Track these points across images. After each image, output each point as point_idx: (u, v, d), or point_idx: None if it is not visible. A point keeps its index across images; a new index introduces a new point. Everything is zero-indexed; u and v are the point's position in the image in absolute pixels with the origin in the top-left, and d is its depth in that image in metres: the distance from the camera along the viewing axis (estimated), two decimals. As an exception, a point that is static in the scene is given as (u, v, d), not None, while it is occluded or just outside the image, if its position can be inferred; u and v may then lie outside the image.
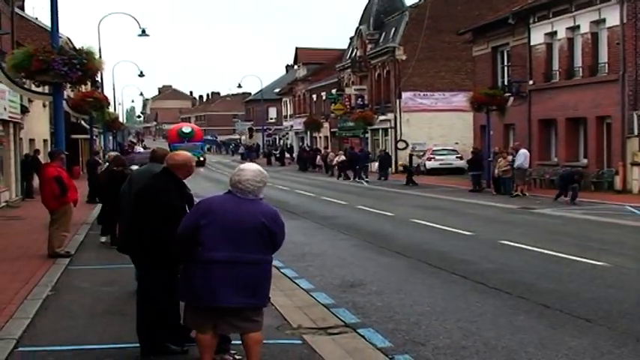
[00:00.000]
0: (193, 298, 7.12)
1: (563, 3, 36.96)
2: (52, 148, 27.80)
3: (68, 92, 37.79)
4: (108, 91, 59.10)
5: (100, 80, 50.16)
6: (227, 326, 7.22)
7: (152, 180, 8.36)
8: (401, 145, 60.15)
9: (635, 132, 32.65)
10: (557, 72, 38.32)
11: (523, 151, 33.91)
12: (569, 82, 37.12)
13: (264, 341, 7.66)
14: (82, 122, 51.10)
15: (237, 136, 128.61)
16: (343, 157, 55.31)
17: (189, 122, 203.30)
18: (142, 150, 48.75)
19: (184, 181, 8.17)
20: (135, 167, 14.86)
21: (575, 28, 36.59)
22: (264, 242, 7.07)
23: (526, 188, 33.76)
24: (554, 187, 36.34)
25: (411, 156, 53.10)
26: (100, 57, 20.44)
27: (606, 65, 34.48)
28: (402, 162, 44.95)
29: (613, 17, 33.37)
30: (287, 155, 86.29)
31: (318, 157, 68.50)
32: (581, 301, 11.24)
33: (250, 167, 7.25)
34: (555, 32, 38.08)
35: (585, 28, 35.58)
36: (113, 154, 22.34)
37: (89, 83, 33.93)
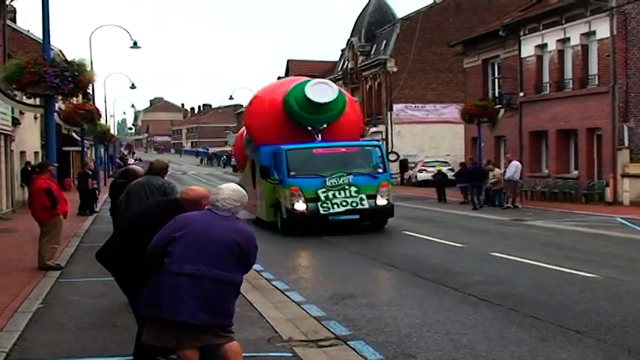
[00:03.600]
0: (157, 310, 6.92)
1: (554, 15, 37.12)
2: (42, 160, 27.80)
3: (60, 104, 37.81)
4: (99, 103, 59.09)
5: (91, 92, 50.13)
6: (193, 340, 7.00)
7: (155, 209, 8.24)
8: (392, 156, 60.04)
9: (626, 144, 32.79)
10: (548, 84, 38.45)
11: (514, 163, 33.96)
12: (560, 94, 37.26)
13: (255, 354, 7.66)
14: (74, 134, 51.06)
15: (228, 148, 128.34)
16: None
17: (181, 135, 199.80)
18: (132, 162, 48.72)
19: None
20: None
21: (565, 41, 36.73)
22: (235, 261, 6.99)
23: (518, 200, 33.79)
24: (545, 198, 36.50)
25: (402, 168, 53.15)
26: (92, 69, 20.42)
27: (596, 77, 34.62)
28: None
29: (603, 29, 33.51)
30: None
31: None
32: (571, 313, 11.24)
33: (229, 186, 7.24)
34: (546, 44, 38.22)
35: (575, 40, 35.73)
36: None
37: (81, 95, 33.91)
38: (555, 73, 37.61)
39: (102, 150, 67.42)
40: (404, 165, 50.34)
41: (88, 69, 19.75)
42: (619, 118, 32.83)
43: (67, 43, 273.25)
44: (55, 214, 16.05)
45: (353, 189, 22.57)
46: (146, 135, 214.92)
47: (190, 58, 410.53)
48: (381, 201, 23.10)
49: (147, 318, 7.17)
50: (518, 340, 9.76)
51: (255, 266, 16.05)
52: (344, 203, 22.53)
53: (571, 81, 36.64)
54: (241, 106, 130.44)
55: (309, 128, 24.00)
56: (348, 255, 18.91)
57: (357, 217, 22.94)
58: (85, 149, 47.52)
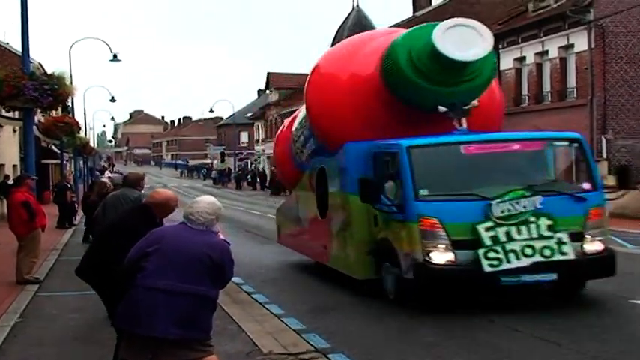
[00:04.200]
0: (132, 325, 6.84)
1: (532, 29, 37.37)
2: (21, 173, 27.67)
3: (39, 117, 37.61)
4: (79, 116, 58.72)
5: (71, 105, 49.94)
6: (170, 356, 6.86)
7: (125, 215, 8.30)
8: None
9: (604, 156, 33.00)
10: (527, 96, 38.68)
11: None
12: (539, 106, 37.46)
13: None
14: (53, 147, 50.82)
15: (209, 161, 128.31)
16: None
17: (161, 147, 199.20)
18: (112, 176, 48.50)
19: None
20: None
21: (543, 54, 36.98)
22: (209, 275, 6.87)
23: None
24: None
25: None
26: (72, 82, 20.41)
27: (575, 90, 34.86)
28: None
29: (581, 43, 33.77)
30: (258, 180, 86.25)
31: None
32: (550, 324, 11.28)
33: (204, 199, 7.12)
34: (524, 57, 38.45)
35: (554, 53, 35.97)
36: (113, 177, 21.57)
37: (60, 108, 33.79)
38: (534, 86, 37.85)
39: (81, 163, 67.07)
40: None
41: (68, 82, 19.73)
42: (597, 131, 33.08)
43: (47, 56, 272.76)
44: (33, 228, 15.98)
45: (544, 222, 12.16)
46: (126, 148, 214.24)
47: (171, 71, 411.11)
48: (593, 245, 12.71)
49: (124, 333, 7.14)
50: (497, 349, 9.79)
51: (235, 279, 16.08)
52: (528, 251, 12.08)
53: (549, 94, 36.87)
54: (221, 118, 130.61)
55: (442, 110, 13.47)
56: (328, 267, 18.88)
57: (554, 276, 12.33)
58: (65, 162, 47.29)
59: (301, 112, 18.00)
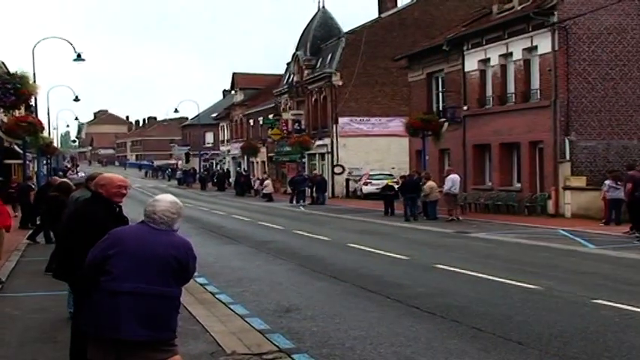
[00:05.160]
0: (96, 328, 6.77)
1: (497, 30, 37.60)
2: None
3: (1, 116, 37.29)
4: (42, 116, 58.44)
5: (34, 104, 49.53)
6: (134, 357, 6.78)
7: (80, 204, 8.31)
8: (338, 169, 60.48)
9: (567, 157, 33.31)
10: (491, 98, 38.89)
11: (451, 177, 34.22)
12: (503, 107, 37.69)
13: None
14: (16, 147, 50.36)
15: (173, 161, 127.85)
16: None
17: (125, 148, 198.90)
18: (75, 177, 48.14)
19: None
20: None
21: (508, 55, 37.20)
22: (173, 275, 6.81)
23: (459, 212, 34.04)
24: (489, 210, 36.90)
25: (348, 180, 53.25)
26: (35, 81, 20.30)
27: (538, 91, 35.11)
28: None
29: (545, 44, 34.03)
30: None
31: (257, 182, 68.87)
32: (513, 324, 11.36)
33: (165, 198, 7.02)
34: (489, 59, 38.67)
35: (518, 55, 36.21)
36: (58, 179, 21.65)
37: (23, 107, 33.50)
38: (498, 88, 38.07)
39: (45, 163, 66.55)
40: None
41: (31, 81, 19.62)
42: (560, 132, 33.35)
43: (10, 56, 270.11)
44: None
45: None
46: (90, 148, 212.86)
47: (135, 71, 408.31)
48: None
49: (88, 336, 7.08)
50: (461, 351, 9.84)
51: (200, 279, 16.08)
52: None
53: (514, 95, 37.10)
54: (187, 118, 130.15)
55: None
56: (293, 268, 18.89)
57: None
58: (28, 162, 46.86)
59: None
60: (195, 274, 15.86)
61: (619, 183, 27.80)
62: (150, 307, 6.68)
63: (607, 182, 28.72)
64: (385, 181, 43.69)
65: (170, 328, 6.85)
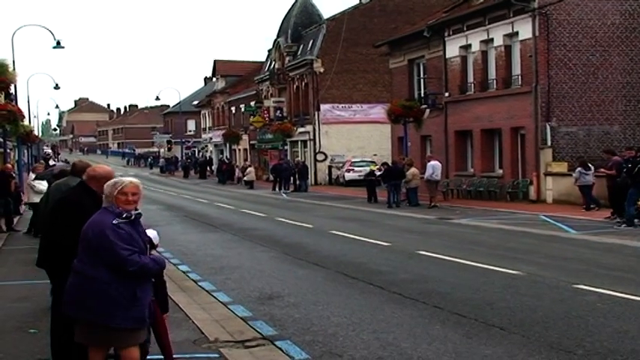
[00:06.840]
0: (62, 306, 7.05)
1: (477, 16, 37.61)
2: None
3: (-20, 105, 36.95)
4: (22, 104, 57.83)
5: (13, 92, 49.19)
6: (94, 338, 6.86)
7: (67, 193, 8.28)
8: (320, 157, 60.51)
9: (549, 143, 33.42)
10: (472, 84, 38.93)
11: (431, 164, 34.36)
12: (484, 94, 37.74)
13: (181, 356, 7.57)
14: (-5, 136, 50.02)
15: (155, 149, 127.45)
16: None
17: (107, 136, 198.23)
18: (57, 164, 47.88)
19: None
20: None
21: (489, 41, 37.23)
22: (92, 254, 6.71)
23: (437, 199, 34.06)
24: (471, 197, 37.00)
25: (330, 168, 53.24)
26: (14, 69, 20.13)
27: (519, 77, 35.15)
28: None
29: (525, 30, 34.06)
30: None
31: (237, 170, 68.90)
32: (495, 310, 11.40)
33: (128, 180, 7.04)
34: (470, 45, 38.68)
35: (499, 41, 36.24)
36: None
37: (2, 96, 33.28)
38: (479, 74, 38.10)
39: (25, 151, 66.16)
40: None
41: (10, 69, 19.49)
42: (541, 118, 33.44)
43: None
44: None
45: None
46: (71, 136, 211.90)
47: (116, 59, 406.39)
48: None
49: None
50: (443, 337, 9.87)
51: (182, 267, 16.10)
52: None
53: (495, 81, 37.13)
54: (168, 106, 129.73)
55: None
56: (275, 255, 18.89)
57: None
58: (8, 151, 46.60)
59: None
60: (178, 261, 15.82)
61: (588, 168, 28.20)
62: (79, 285, 6.80)
63: (578, 169, 28.95)
64: (368, 168, 43.68)
65: (102, 313, 6.69)
